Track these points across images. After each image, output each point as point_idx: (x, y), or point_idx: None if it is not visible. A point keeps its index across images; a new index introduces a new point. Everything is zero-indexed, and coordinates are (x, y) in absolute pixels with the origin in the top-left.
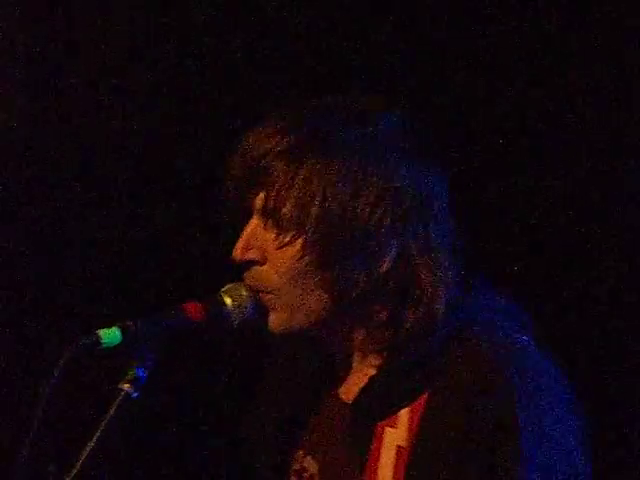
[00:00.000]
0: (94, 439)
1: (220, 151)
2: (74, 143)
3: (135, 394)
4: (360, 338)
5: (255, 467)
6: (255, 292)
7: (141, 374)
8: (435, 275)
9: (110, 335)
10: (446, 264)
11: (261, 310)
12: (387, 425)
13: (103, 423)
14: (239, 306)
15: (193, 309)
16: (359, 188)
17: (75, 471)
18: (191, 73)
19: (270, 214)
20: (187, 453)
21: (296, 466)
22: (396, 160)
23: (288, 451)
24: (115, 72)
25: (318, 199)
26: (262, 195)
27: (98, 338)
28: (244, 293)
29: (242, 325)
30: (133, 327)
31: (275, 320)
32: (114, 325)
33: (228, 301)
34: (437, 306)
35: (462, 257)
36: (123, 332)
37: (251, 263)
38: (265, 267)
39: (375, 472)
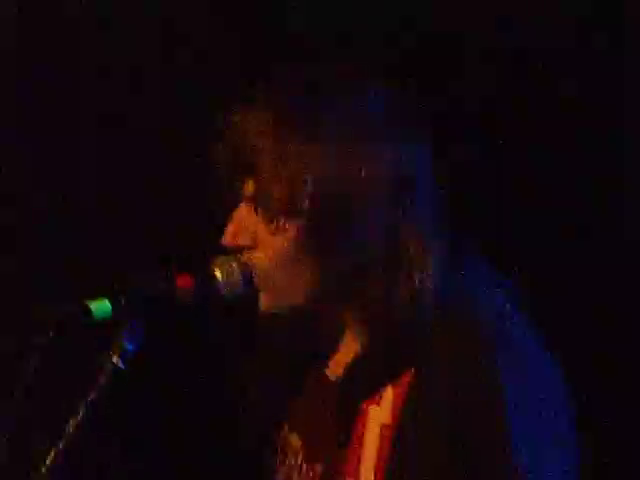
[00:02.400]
0: (82, 409)
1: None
2: None
3: (123, 365)
4: (349, 316)
5: (240, 441)
6: (246, 266)
7: (129, 346)
8: (423, 254)
9: (100, 307)
10: (435, 242)
11: (251, 286)
12: (371, 403)
13: (91, 394)
14: (229, 279)
15: (182, 279)
16: (347, 166)
17: (63, 442)
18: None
19: (259, 200)
20: (174, 428)
21: (281, 441)
22: (381, 133)
23: (273, 426)
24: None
25: (307, 186)
26: (250, 182)
27: (88, 310)
28: (234, 266)
29: (231, 298)
30: (123, 299)
31: (266, 300)
32: (104, 297)
33: (218, 274)
34: (428, 276)
35: (450, 227)
36: (113, 304)
37: (242, 248)
38: (256, 251)
39: (359, 450)
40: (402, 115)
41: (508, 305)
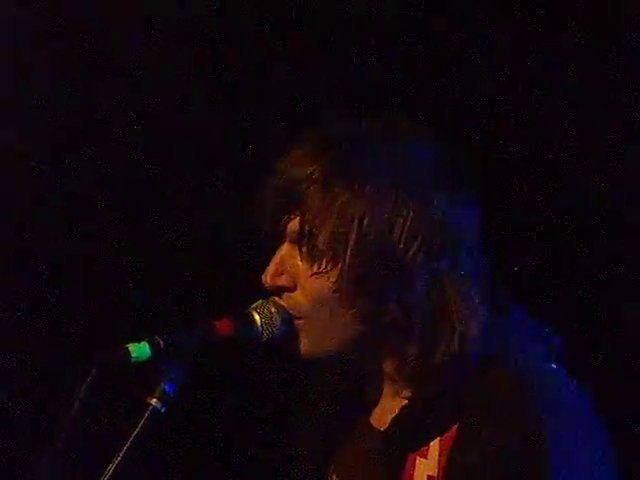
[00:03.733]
0: (122, 454)
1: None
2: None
3: (163, 409)
4: (390, 368)
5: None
6: (284, 310)
7: (169, 389)
8: (467, 308)
9: (139, 349)
10: (478, 297)
11: (291, 330)
12: (418, 455)
13: (131, 438)
14: (268, 323)
15: (222, 325)
16: (394, 219)
17: None
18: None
19: (304, 242)
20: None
21: None
22: (430, 190)
23: (321, 473)
24: None
25: (354, 230)
26: (296, 221)
27: (127, 352)
28: (273, 310)
29: (271, 342)
30: (162, 342)
31: (304, 344)
32: (143, 340)
33: (257, 317)
34: (469, 340)
35: (491, 287)
36: (152, 346)
37: (281, 288)
38: (295, 293)
39: None
40: (452, 175)
41: (552, 360)
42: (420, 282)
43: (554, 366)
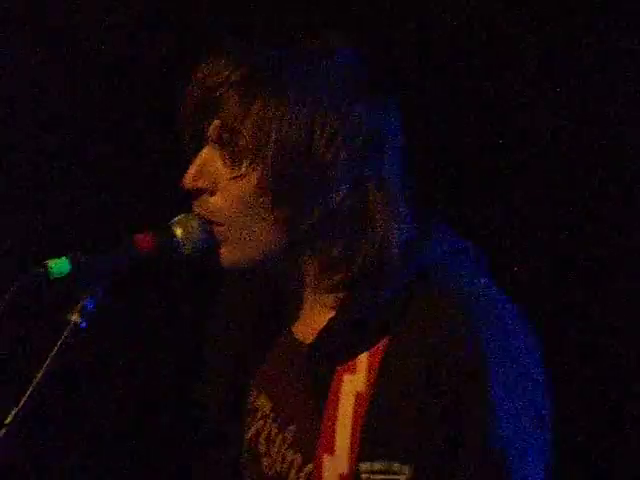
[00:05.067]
0: (42, 371)
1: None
2: None
3: (83, 324)
4: (312, 274)
5: (209, 406)
6: (207, 223)
7: (89, 305)
8: (389, 210)
9: (59, 265)
10: (400, 200)
11: (213, 242)
12: (346, 372)
13: (51, 354)
14: (189, 237)
15: (142, 240)
16: (314, 122)
17: (23, 402)
18: None
19: (224, 144)
20: (138, 388)
21: (249, 405)
22: (351, 94)
23: (242, 389)
24: None
25: (274, 133)
26: (216, 124)
27: (47, 268)
28: (195, 224)
29: (192, 256)
30: (82, 257)
31: (226, 253)
32: (63, 256)
33: (178, 232)
34: (390, 241)
35: (417, 197)
36: (72, 262)
37: (201, 192)
38: (216, 197)
39: (333, 417)
40: (375, 80)
41: (482, 274)
42: (342, 185)
43: (484, 280)
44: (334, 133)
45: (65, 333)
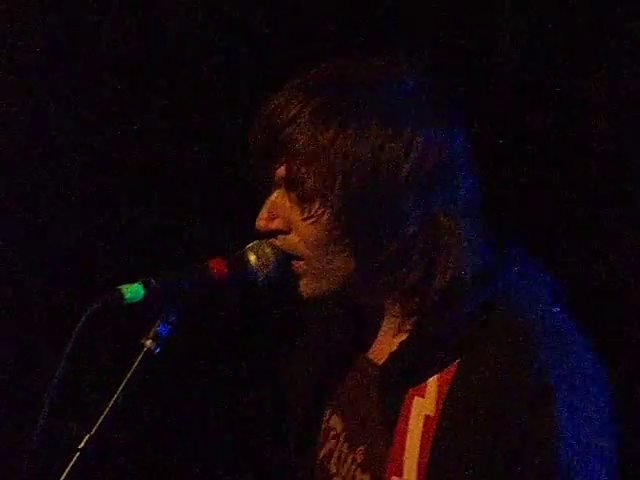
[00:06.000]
0: (116, 395)
1: None
2: None
3: (157, 350)
4: (389, 302)
5: (285, 426)
6: (280, 250)
7: (163, 330)
8: (461, 239)
9: (133, 290)
10: (473, 228)
11: (285, 271)
12: (416, 394)
13: (126, 379)
14: (263, 263)
15: (216, 265)
16: (379, 155)
17: (96, 427)
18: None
19: (293, 186)
20: (211, 413)
21: (324, 425)
22: (416, 119)
23: (317, 409)
24: None
25: (340, 169)
26: (284, 167)
27: (121, 294)
28: (268, 250)
29: (266, 282)
30: (155, 283)
31: (304, 285)
32: (137, 281)
33: (252, 258)
34: (464, 270)
35: (492, 223)
36: (145, 287)
37: (276, 232)
38: (291, 236)
39: (403, 440)
40: (440, 104)
41: (555, 304)
42: (412, 215)
43: (556, 309)
44: (399, 164)
45: (139, 358)
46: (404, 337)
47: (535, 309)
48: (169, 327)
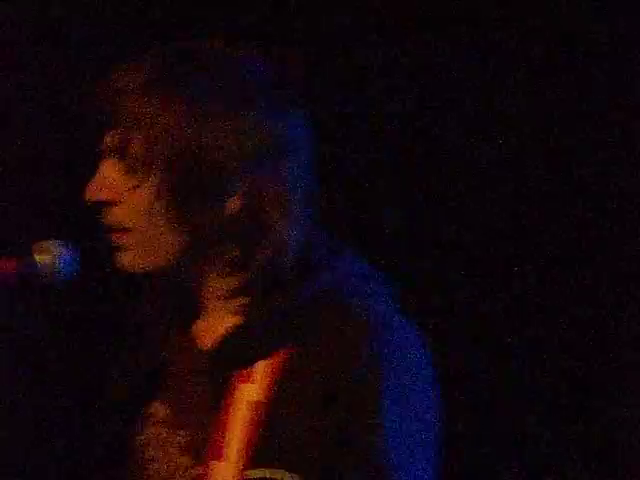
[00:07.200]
0: None
1: None
2: None
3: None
4: (213, 280)
5: (106, 410)
6: (69, 250)
7: None
8: (285, 215)
9: None
10: (299, 208)
11: (77, 265)
12: (242, 380)
13: None
14: (49, 261)
15: (4, 264)
16: (204, 126)
17: None
18: None
19: (119, 154)
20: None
21: (144, 412)
22: (247, 99)
23: (140, 396)
24: None
25: (165, 138)
26: (111, 133)
27: None
28: (52, 248)
29: (56, 280)
30: None
31: (128, 258)
32: None
33: (37, 257)
34: (286, 245)
35: (322, 214)
36: None
37: (104, 204)
38: (118, 207)
39: (225, 425)
40: (274, 84)
41: (390, 301)
42: (236, 188)
43: (393, 307)
44: (224, 137)
45: None
46: (230, 320)
47: (370, 302)
48: None
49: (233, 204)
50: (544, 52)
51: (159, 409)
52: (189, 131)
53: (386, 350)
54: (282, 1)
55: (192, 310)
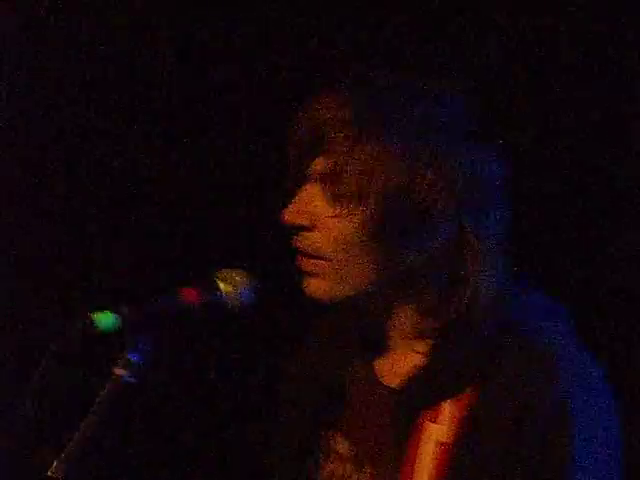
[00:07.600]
0: (86, 423)
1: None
2: None
3: (131, 379)
4: (404, 318)
5: (280, 443)
6: (252, 279)
7: (135, 358)
8: (484, 263)
9: (104, 319)
10: (496, 254)
11: (256, 297)
12: (429, 419)
13: (95, 407)
14: (233, 291)
15: (188, 293)
16: (419, 167)
17: (65, 454)
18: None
19: (329, 182)
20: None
21: (324, 445)
22: (456, 143)
23: (317, 427)
24: None
25: (381, 176)
26: (321, 161)
27: (92, 322)
28: (237, 278)
29: (239, 309)
30: (127, 311)
31: (318, 285)
32: (108, 309)
33: (222, 286)
34: (484, 294)
35: (512, 252)
36: (117, 316)
37: (299, 228)
38: (315, 234)
39: (413, 466)
40: (481, 130)
41: (572, 335)
42: (440, 232)
43: (575, 341)
44: (435, 180)
45: (109, 387)
46: (416, 360)
47: (553, 337)
48: (141, 355)
49: (434, 247)
50: (544, 52)
51: (342, 443)
52: (403, 171)
53: (576, 389)
54: None
55: (374, 343)
